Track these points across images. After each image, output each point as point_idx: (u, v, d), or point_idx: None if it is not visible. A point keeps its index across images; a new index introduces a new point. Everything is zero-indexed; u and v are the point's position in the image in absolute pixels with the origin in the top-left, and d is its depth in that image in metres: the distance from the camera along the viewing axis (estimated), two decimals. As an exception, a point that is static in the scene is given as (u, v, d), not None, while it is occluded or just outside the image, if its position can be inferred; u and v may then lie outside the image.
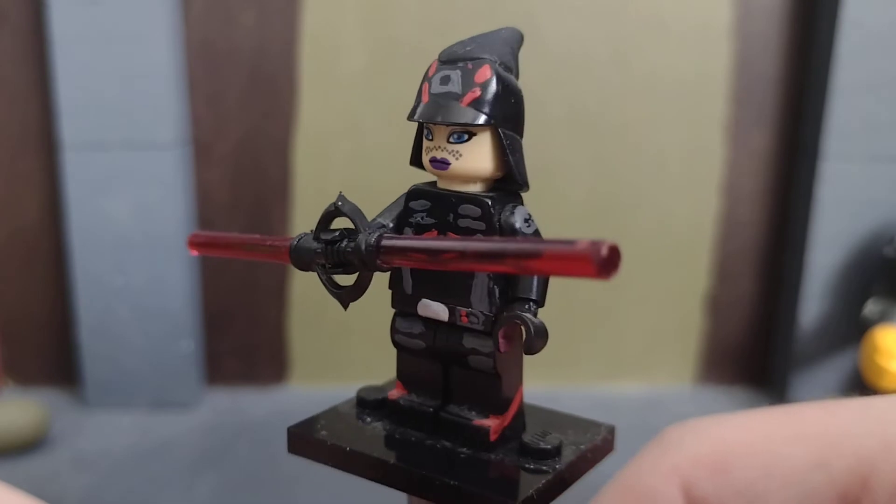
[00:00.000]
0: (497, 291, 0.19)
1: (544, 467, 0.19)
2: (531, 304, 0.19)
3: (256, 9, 0.47)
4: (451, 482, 0.18)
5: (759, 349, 0.52)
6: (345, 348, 0.50)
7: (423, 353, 0.20)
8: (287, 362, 0.51)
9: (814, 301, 0.48)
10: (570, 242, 0.14)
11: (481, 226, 0.19)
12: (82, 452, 0.43)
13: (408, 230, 0.20)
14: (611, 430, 0.21)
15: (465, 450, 0.20)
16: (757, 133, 0.49)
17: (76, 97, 0.45)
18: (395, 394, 0.21)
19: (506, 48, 0.20)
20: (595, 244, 0.13)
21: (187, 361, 0.48)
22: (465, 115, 0.18)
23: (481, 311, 0.19)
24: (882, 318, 0.45)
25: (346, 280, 0.19)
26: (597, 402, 0.49)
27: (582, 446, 0.20)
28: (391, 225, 0.20)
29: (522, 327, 0.18)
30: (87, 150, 0.45)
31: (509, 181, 0.20)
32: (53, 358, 0.51)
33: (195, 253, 0.22)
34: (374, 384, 0.22)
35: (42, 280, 0.50)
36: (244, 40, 0.47)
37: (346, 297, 0.19)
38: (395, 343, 0.21)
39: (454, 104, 0.19)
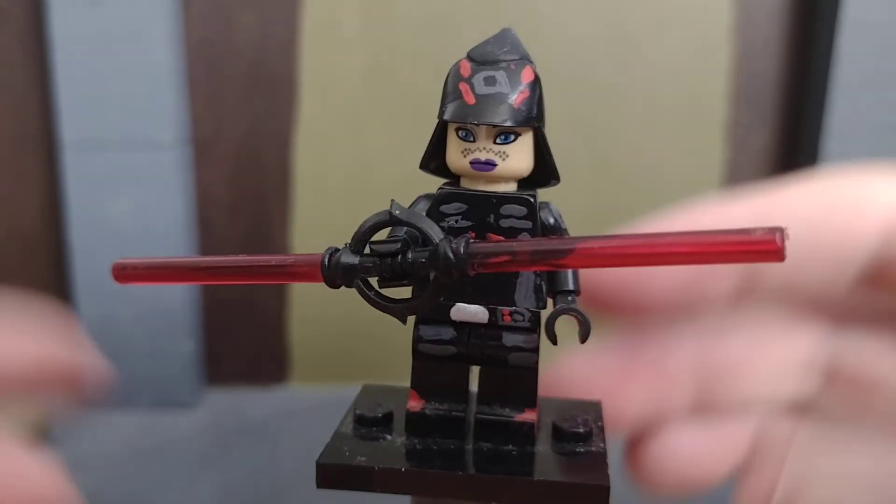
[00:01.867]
0: (543, 287, 0.20)
1: (593, 448, 0.19)
2: (572, 294, 0.20)
3: (256, 8, 0.47)
4: (537, 479, 0.18)
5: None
6: (346, 348, 0.50)
7: (451, 358, 0.20)
8: (288, 362, 0.51)
9: (814, 301, 0.48)
10: (745, 231, 0.14)
11: (527, 224, 0.19)
12: (82, 452, 0.43)
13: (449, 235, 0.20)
14: (599, 406, 0.21)
15: (511, 447, 0.19)
16: (757, 133, 0.49)
17: (76, 97, 0.45)
18: (414, 405, 0.20)
19: (524, 48, 0.20)
20: (773, 230, 0.14)
21: (187, 361, 0.48)
22: (520, 115, 0.19)
23: (527, 308, 0.19)
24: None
25: (393, 293, 0.18)
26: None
27: (599, 423, 0.20)
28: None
29: (577, 320, 0.19)
30: (87, 149, 0.45)
31: (534, 178, 0.20)
32: (53, 358, 0.51)
33: (124, 282, 0.20)
34: (366, 400, 0.22)
35: (41, 279, 0.50)
36: (244, 40, 0.47)
37: (409, 310, 0.18)
38: (419, 353, 0.20)
39: (506, 105, 0.19)
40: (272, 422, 0.47)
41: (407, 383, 0.21)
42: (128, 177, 0.46)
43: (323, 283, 0.18)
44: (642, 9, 0.47)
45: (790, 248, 0.16)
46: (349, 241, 0.18)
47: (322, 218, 0.49)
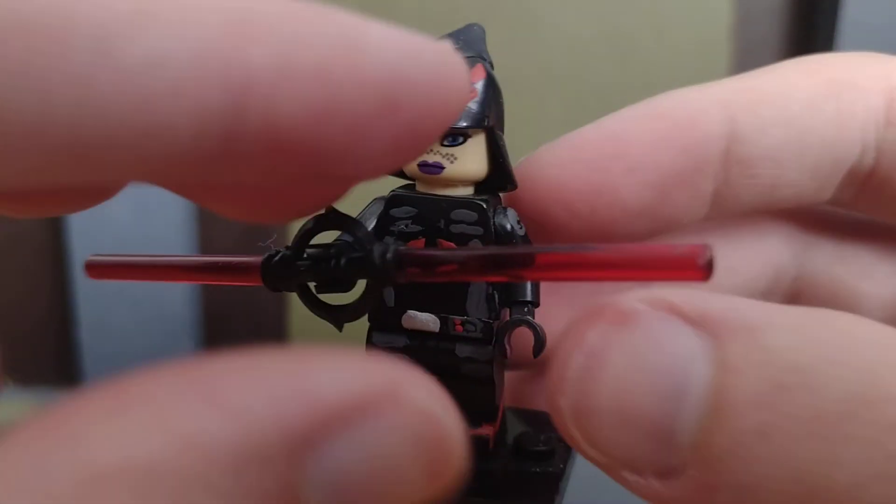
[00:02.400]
0: (496, 297, 0.19)
1: (550, 468, 0.18)
2: (529, 306, 0.19)
3: (256, 9, 0.47)
4: (481, 500, 0.17)
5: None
6: (346, 348, 0.50)
7: (403, 350, 0.19)
8: (287, 362, 0.51)
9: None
10: (673, 247, 0.12)
11: (478, 230, 0.18)
12: (83, 453, 0.43)
13: (388, 240, 0.19)
14: None
15: None
16: (757, 133, 0.49)
17: (76, 97, 0.45)
18: None
19: (483, 46, 0.19)
20: (697, 248, 0.12)
21: (187, 361, 0.48)
22: (467, 115, 0.18)
23: (479, 319, 0.19)
24: (882, 318, 0.45)
25: (333, 299, 0.18)
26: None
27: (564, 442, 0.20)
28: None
29: (531, 332, 0.18)
30: (88, 150, 0.45)
31: (491, 182, 0.19)
32: (54, 358, 0.51)
33: (93, 277, 0.19)
34: None
35: (43, 280, 0.50)
36: (244, 40, 0.47)
37: (343, 317, 0.17)
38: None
39: None
40: (272, 422, 0.47)
41: None
42: (128, 177, 0.46)
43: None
44: (642, 9, 0.47)
45: (777, 141, 0.15)
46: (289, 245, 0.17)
47: (322, 218, 0.49)
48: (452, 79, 0.12)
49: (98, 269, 0.19)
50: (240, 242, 0.49)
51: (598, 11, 0.47)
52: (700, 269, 0.12)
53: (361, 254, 0.16)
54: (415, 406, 0.11)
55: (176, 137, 0.10)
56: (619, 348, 0.12)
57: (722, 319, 0.12)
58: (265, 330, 0.51)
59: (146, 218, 0.46)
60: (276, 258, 0.17)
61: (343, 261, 0.16)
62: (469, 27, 0.20)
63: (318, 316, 0.18)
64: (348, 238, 0.17)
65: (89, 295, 0.47)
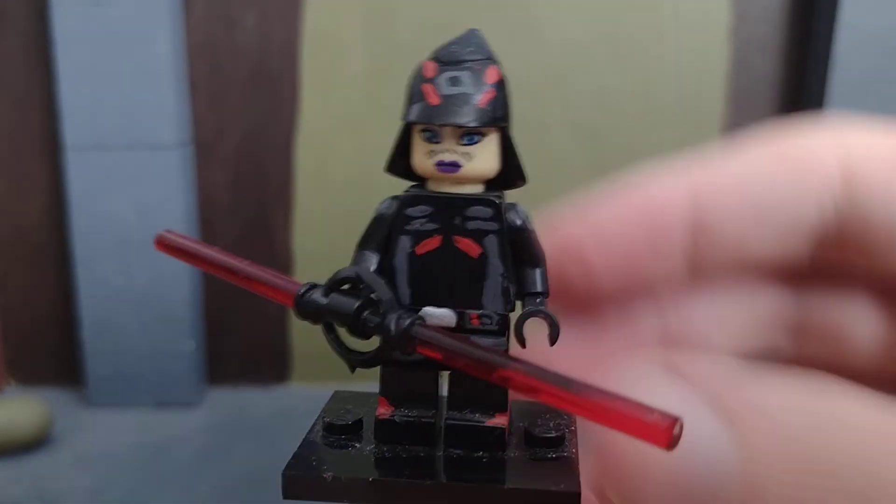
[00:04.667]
0: (511, 290, 0.19)
1: (564, 453, 0.19)
2: (541, 297, 0.19)
3: (258, 10, 0.47)
4: (507, 487, 0.18)
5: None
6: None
7: (419, 363, 0.19)
8: (289, 362, 0.52)
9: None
10: (647, 410, 0.13)
11: (493, 226, 0.19)
12: (84, 451, 0.43)
13: (404, 238, 0.20)
14: None
15: (481, 453, 0.19)
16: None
17: (78, 98, 0.45)
18: (383, 412, 0.20)
19: (491, 49, 0.20)
20: (668, 418, 0.13)
21: (189, 361, 0.49)
22: (484, 115, 0.18)
23: (495, 312, 0.19)
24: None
25: (352, 339, 0.19)
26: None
27: (571, 427, 0.20)
28: (375, 264, 0.20)
29: (546, 322, 0.19)
30: (90, 150, 0.46)
31: (500, 179, 0.20)
32: (56, 357, 0.51)
33: (162, 250, 0.22)
34: (336, 407, 0.21)
35: (45, 280, 0.50)
36: (246, 41, 0.47)
37: (357, 362, 0.18)
38: (388, 361, 0.20)
39: (471, 105, 0.18)
40: (273, 421, 0.47)
41: None
42: (130, 178, 0.46)
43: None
44: (641, 11, 0.47)
45: (739, 217, 0.16)
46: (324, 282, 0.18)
47: (322, 218, 0.49)
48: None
49: (166, 245, 0.22)
50: (240, 243, 0.50)
51: (598, 12, 0.47)
52: (667, 441, 0.13)
53: (379, 320, 0.17)
54: None
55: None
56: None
57: (742, 411, 0.13)
58: (265, 330, 0.51)
59: (146, 218, 0.46)
60: (309, 294, 0.18)
61: (363, 316, 0.18)
62: (472, 32, 0.20)
63: (335, 353, 0.19)
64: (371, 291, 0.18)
65: (91, 295, 0.47)
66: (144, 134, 0.45)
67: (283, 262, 0.50)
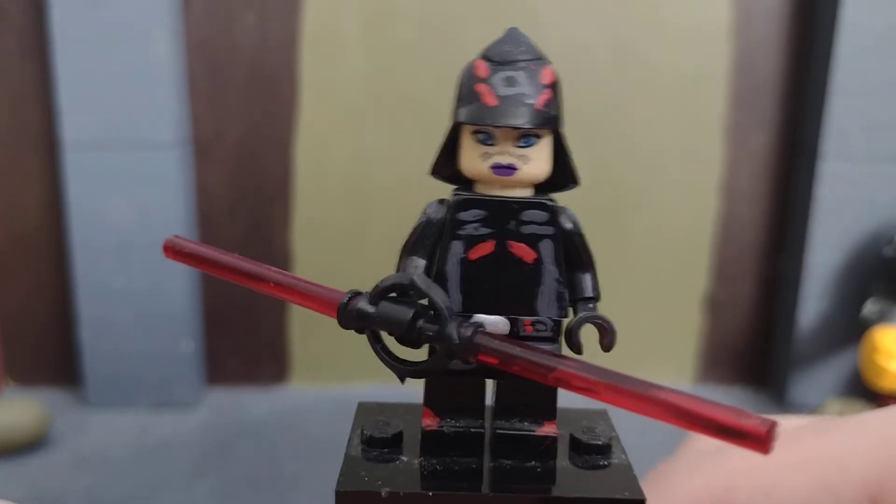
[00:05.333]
0: (565, 295, 0.19)
1: (615, 460, 0.19)
2: (594, 301, 0.19)
3: (257, 9, 0.47)
4: (571, 497, 0.17)
5: (758, 349, 0.52)
6: (345, 348, 0.50)
7: (467, 372, 0.18)
8: (288, 362, 0.51)
9: (813, 301, 0.48)
10: (739, 413, 0.13)
11: (548, 230, 0.18)
12: (83, 452, 0.43)
13: (456, 244, 0.19)
14: (606, 414, 0.21)
15: (533, 463, 0.19)
16: (756, 133, 0.49)
17: (77, 97, 0.45)
18: (430, 423, 0.19)
19: (538, 48, 0.19)
20: (766, 422, 0.13)
21: (188, 361, 0.48)
22: (542, 117, 0.18)
23: (550, 318, 0.19)
24: (881, 318, 0.45)
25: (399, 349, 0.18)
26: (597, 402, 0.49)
27: (613, 433, 0.20)
28: (423, 266, 0.19)
29: (604, 326, 0.18)
30: (88, 149, 0.45)
31: (549, 182, 0.19)
32: (54, 357, 0.51)
33: (171, 257, 0.20)
34: (368, 419, 0.20)
35: (43, 279, 0.50)
36: (244, 40, 0.47)
37: (408, 372, 0.17)
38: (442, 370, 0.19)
39: (528, 107, 0.18)
40: (272, 422, 0.47)
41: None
42: (128, 177, 0.46)
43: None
44: (642, 11, 0.47)
45: None
46: (370, 290, 0.17)
47: (322, 218, 0.49)
48: None
49: (174, 252, 0.20)
50: (240, 243, 0.50)
51: (600, 12, 0.47)
52: (767, 447, 0.12)
53: (436, 328, 0.16)
54: None
55: None
56: None
57: None
58: (264, 330, 0.51)
59: (146, 218, 0.46)
60: (356, 300, 0.17)
61: (419, 325, 0.17)
62: (516, 31, 0.20)
63: (383, 363, 0.18)
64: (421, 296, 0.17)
65: (89, 295, 0.47)
66: (143, 133, 0.45)
67: (281, 261, 0.50)
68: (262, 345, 0.51)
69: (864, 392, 0.46)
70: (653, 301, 0.51)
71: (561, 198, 0.20)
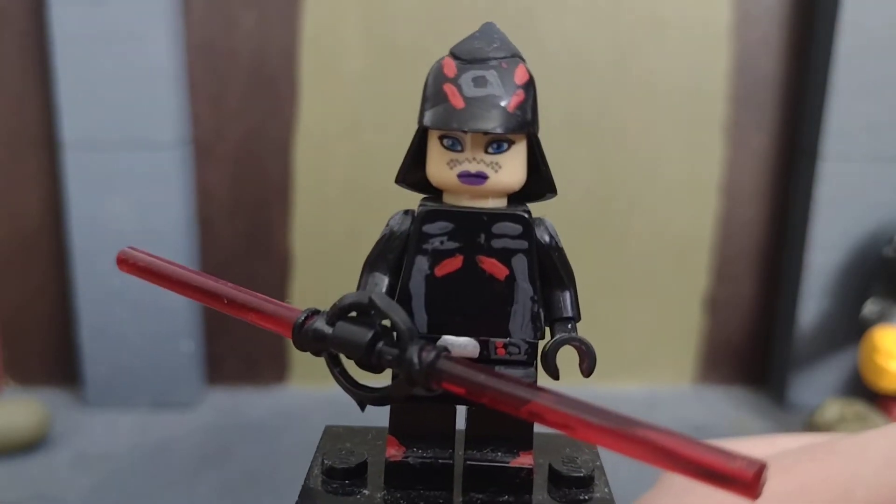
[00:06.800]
0: (541, 315, 0.17)
1: (597, 494, 0.17)
2: (572, 322, 0.17)
3: (257, 10, 0.47)
4: None
5: (758, 349, 0.52)
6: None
7: (435, 398, 0.16)
8: (288, 362, 0.51)
9: (813, 301, 0.48)
10: (726, 455, 0.12)
11: (522, 244, 0.17)
12: (83, 452, 0.43)
13: (421, 259, 0.17)
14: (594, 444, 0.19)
15: (506, 497, 0.17)
16: (756, 133, 0.49)
17: (77, 97, 0.45)
18: (394, 453, 0.17)
19: (514, 45, 0.18)
20: (754, 464, 0.12)
21: (188, 361, 0.48)
22: (515, 120, 0.16)
23: (524, 340, 0.17)
24: (881, 318, 0.45)
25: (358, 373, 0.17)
26: (597, 402, 0.49)
27: (597, 462, 0.18)
28: (386, 287, 0.17)
29: (582, 349, 0.17)
30: (88, 149, 0.45)
31: (526, 190, 0.18)
32: (54, 358, 0.51)
33: (125, 270, 0.18)
34: (332, 445, 0.19)
35: (42, 279, 0.50)
36: (245, 41, 0.47)
37: (368, 399, 0.16)
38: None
39: (500, 109, 0.16)
40: (271, 422, 0.47)
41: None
42: (128, 177, 0.46)
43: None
44: (642, 9, 0.47)
45: None
46: (327, 309, 0.16)
47: (322, 219, 0.49)
48: None
49: (128, 265, 0.19)
50: (240, 245, 0.50)
51: (598, 12, 0.47)
52: (755, 492, 0.12)
53: (397, 352, 0.15)
54: None
55: None
56: None
57: None
58: (264, 331, 0.51)
59: (146, 218, 0.46)
60: (311, 323, 0.16)
61: (378, 348, 0.15)
62: (490, 25, 0.18)
63: (342, 388, 0.16)
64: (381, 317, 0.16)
65: (89, 295, 0.47)
66: (143, 134, 0.45)
67: (282, 262, 0.50)
68: (262, 345, 0.51)
69: (864, 392, 0.46)
70: (652, 301, 0.51)
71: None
